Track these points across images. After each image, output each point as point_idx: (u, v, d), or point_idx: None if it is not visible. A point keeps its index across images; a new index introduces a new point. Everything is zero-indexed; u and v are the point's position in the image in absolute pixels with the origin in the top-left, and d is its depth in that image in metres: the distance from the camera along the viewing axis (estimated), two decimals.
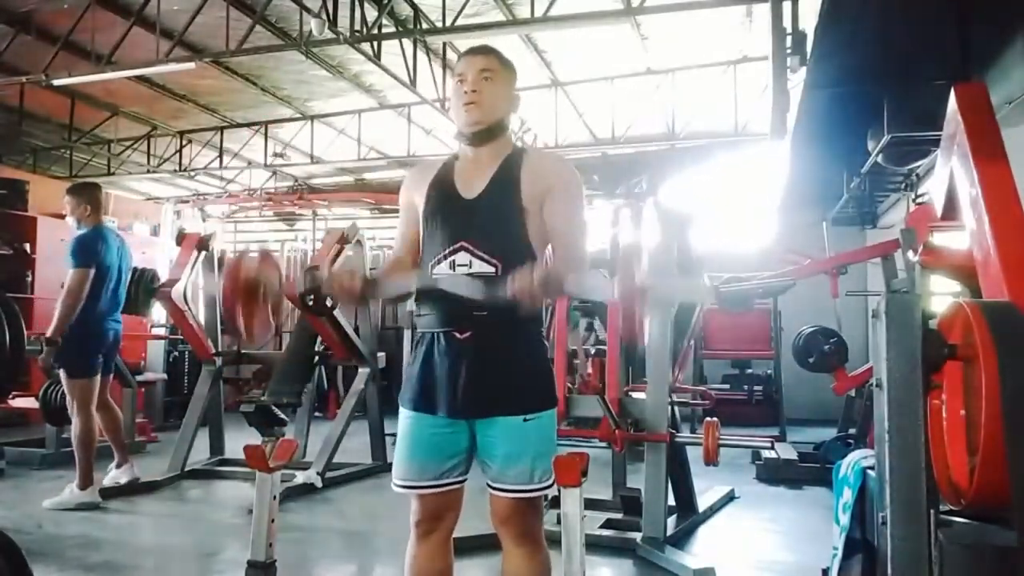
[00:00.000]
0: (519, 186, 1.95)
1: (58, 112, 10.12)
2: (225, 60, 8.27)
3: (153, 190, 13.65)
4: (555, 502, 2.24)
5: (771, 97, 4.73)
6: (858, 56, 4.29)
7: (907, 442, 1.83)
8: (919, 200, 6.16)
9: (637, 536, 3.79)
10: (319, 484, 5.00)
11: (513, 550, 1.98)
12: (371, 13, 7.20)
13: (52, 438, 5.90)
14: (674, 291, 2.11)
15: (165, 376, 8.45)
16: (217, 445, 5.97)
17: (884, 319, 1.88)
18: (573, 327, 5.40)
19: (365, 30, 7.19)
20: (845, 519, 2.56)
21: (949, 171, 2.46)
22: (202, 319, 5.69)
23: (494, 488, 1.94)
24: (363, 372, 5.82)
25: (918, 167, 5.75)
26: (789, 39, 4.43)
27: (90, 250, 4.47)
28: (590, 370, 5.20)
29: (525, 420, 1.90)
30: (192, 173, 12.25)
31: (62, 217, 5.19)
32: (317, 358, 6.17)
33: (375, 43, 7.50)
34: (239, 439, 3.95)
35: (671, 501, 4.20)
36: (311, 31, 6.99)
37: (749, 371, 9.27)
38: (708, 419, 4.08)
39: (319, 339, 5.84)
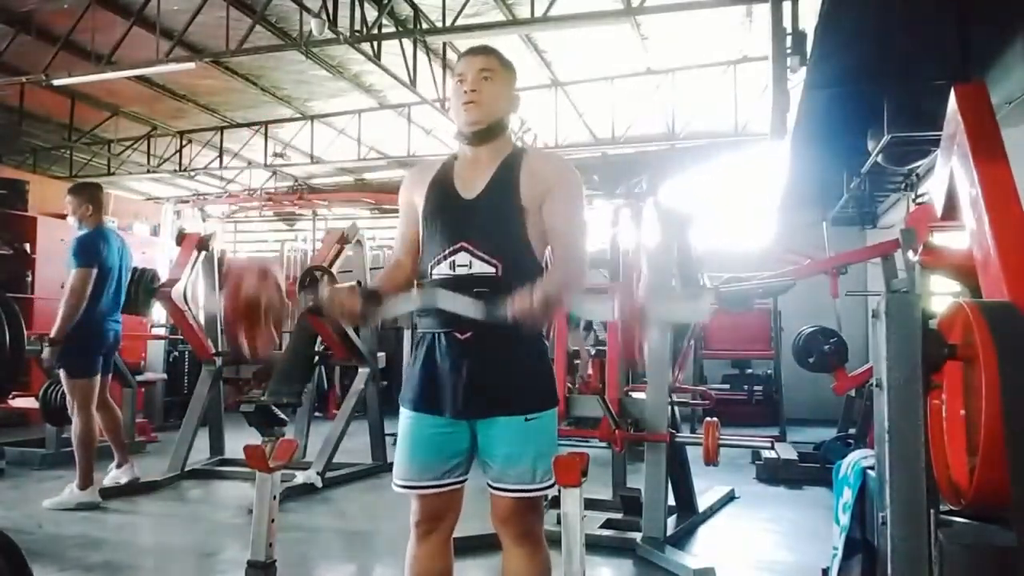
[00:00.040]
0: (518, 186, 1.94)
1: (58, 112, 10.12)
2: (225, 60, 8.28)
3: (153, 190, 13.66)
4: (555, 502, 2.24)
5: (771, 97, 4.73)
6: (858, 56, 4.29)
7: (907, 442, 1.83)
8: (919, 200, 6.16)
9: (637, 536, 3.79)
10: (319, 484, 5.00)
11: (513, 550, 1.98)
12: (371, 13, 7.20)
13: (52, 438, 5.89)
14: (672, 312, 2.12)
15: (165, 376, 8.45)
16: (217, 445, 5.97)
17: (884, 319, 1.87)
18: (573, 327, 5.40)
19: (365, 30, 7.19)
20: (845, 519, 2.56)
21: (949, 171, 2.46)
22: (202, 319, 5.69)
23: (495, 488, 1.94)
24: (363, 372, 5.82)
25: (918, 167, 5.75)
26: (789, 39, 4.43)
27: (92, 250, 4.47)
28: (591, 371, 5.20)
29: (526, 420, 1.90)
30: (192, 173, 12.25)
31: (62, 217, 5.20)
32: (317, 358, 6.18)
33: (375, 43, 7.51)
34: (239, 439, 3.94)
35: (671, 501, 4.20)
36: (311, 31, 7.00)
37: (749, 371, 9.28)
38: (708, 419, 4.08)
39: (319, 339, 5.84)
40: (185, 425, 5.52)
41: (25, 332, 2.81)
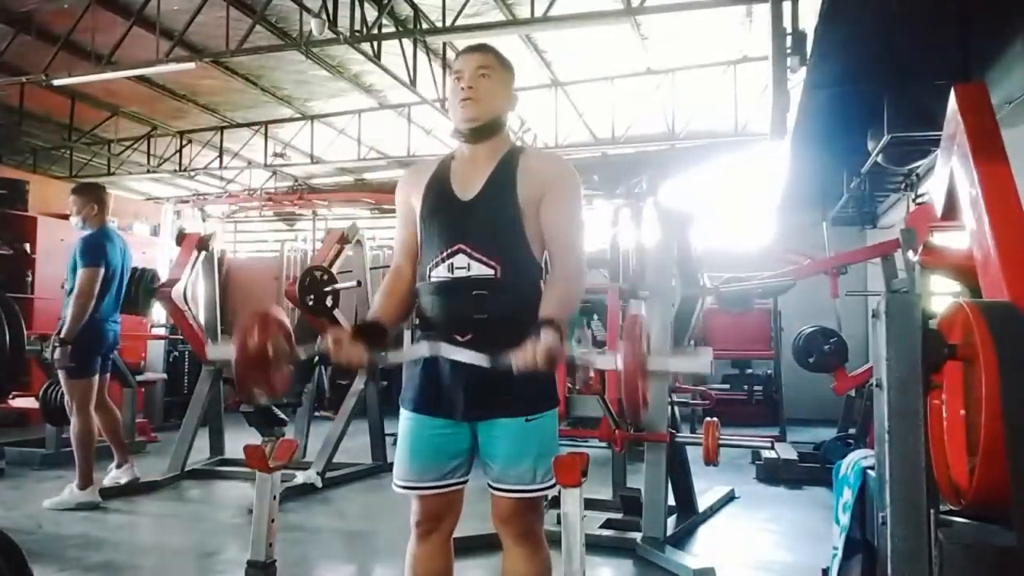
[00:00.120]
0: (516, 186, 1.93)
1: (58, 112, 10.12)
2: (225, 60, 8.27)
3: (153, 190, 13.65)
4: (555, 502, 2.24)
5: (771, 97, 4.73)
6: (858, 56, 4.29)
7: (907, 442, 1.83)
8: (919, 200, 6.16)
9: (637, 536, 3.79)
10: (319, 484, 5.00)
11: (514, 549, 1.98)
12: (371, 13, 7.20)
13: (52, 438, 5.89)
14: (674, 365, 2.13)
15: (165, 376, 8.45)
16: (217, 445, 5.97)
17: (884, 319, 1.87)
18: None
19: (365, 30, 7.19)
20: (845, 519, 2.56)
21: (949, 171, 2.46)
22: (202, 319, 5.69)
23: (495, 488, 1.94)
24: (362, 372, 5.82)
25: (918, 167, 5.75)
26: (789, 39, 4.43)
27: (99, 250, 4.47)
28: (592, 373, 5.20)
29: (527, 421, 1.89)
30: (192, 173, 12.25)
31: (62, 217, 5.20)
32: (317, 358, 6.17)
33: (375, 43, 7.51)
34: (239, 439, 3.94)
35: (671, 501, 4.20)
36: (311, 31, 7.00)
37: (749, 371, 9.28)
38: (708, 419, 4.08)
39: (319, 339, 5.83)
40: (185, 425, 5.52)
41: (25, 332, 2.81)
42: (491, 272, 1.89)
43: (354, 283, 5.72)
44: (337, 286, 5.46)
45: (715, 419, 3.96)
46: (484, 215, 1.92)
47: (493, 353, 1.74)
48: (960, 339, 1.86)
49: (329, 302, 5.38)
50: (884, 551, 1.86)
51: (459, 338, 1.88)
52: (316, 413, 6.54)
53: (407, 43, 8.05)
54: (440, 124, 10.43)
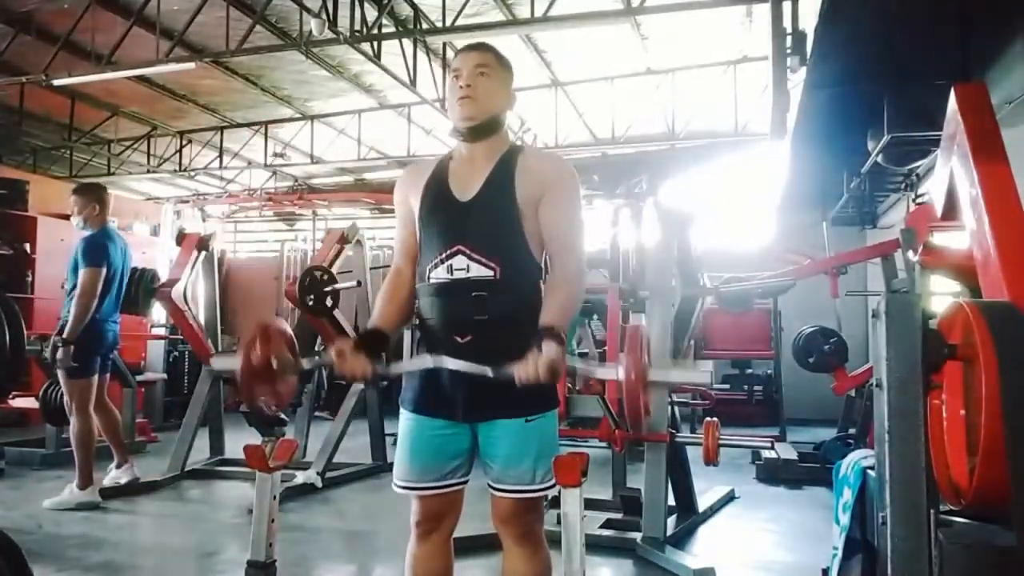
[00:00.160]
0: (515, 186, 1.92)
1: (58, 112, 10.12)
2: (225, 60, 8.27)
3: (153, 190, 13.65)
4: (555, 502, 2.24)
5: (771, 97, 4.73)
6: (858, 56, 4.30)
7: (907, 442, 1.83)
8: (919, 200, 6.16)
9: (637, 536, 3.79)
10: (319, 484, 5.00)
11: (514, 549, 1.98)
12: (371, 13, 7.20)
13: (52, 438, 5.89)
14: (675, 376, 2.15)
15: (165, 376, 8.46)
16: (217, 445, 5.97)
17: (884, 319, 1.87)
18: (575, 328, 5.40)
19: (365, 30, 7.19)
20: (845, 519, 2.56)
21: (949, 171, 2.46)
22: (202, 319, 5.70)
23: (495, 489, 1.94)
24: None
25: (918, 167, 5.75)
26: (789, 39, 4.43)
27: (102, 250, 4.48)
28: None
29: (527, 422, 1.89)
30: (192, 173, 12.25)
31: (62, 217, 5.20)
32: (317, 358, 6.16)
33: (375, 43, 7.50)
34: (239, 439, 3.95)
35: (671, 501, 4.20)
36: (311, 31, 7.00)
37: (749, 371, 9.28)
38: (708, 419, 4.08)
39: (319, 339, 5.83)
40: (185, 425, 5.52)
41: (25, 332, 2.81)
42: (490, 273, 1.88)
43: (354, 283, 5.72)
44: (337, 286, 5.46)
45: (715, 419, 3.96)
46: (483, 216, 1.92)
47: (495, 364, 1.75)
48: (960, 339, 1.86)
49: (329, 302, 5.38)
50: (884, 551, 1.86)
51: (459, 340, 1.89)
52: (315, 413, 6.53)
53: (407, 43, 8.05)
54: (440, 124, 10.43)
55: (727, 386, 9.05)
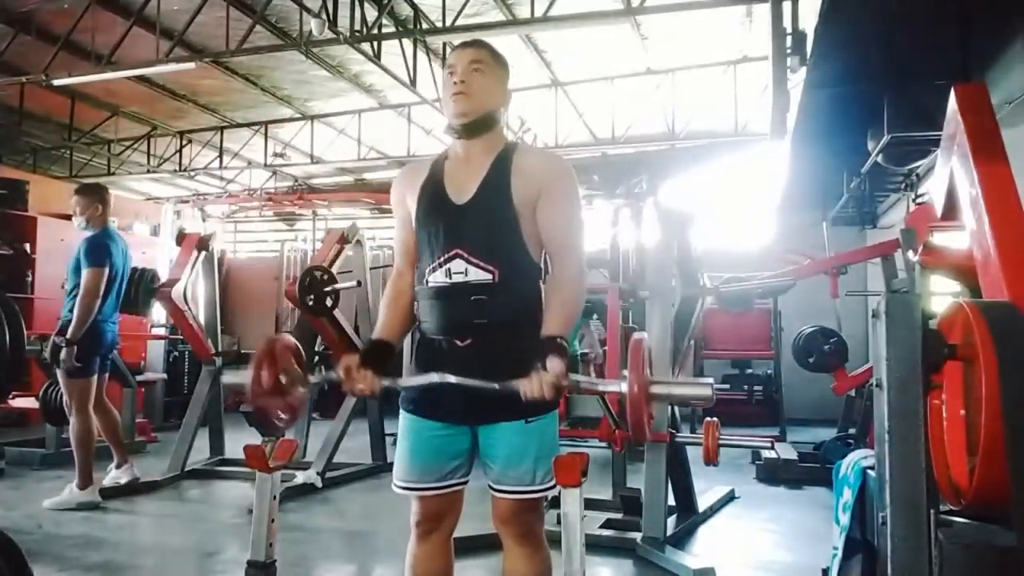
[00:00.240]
0: (511, 187, 1.90)
1: (58, 112, 10.11)
2: (225, 60, 8.27)
3: (153, 190, 13.65)
4: (555, 502, 2.24)
5: (771, 97, 4.73)
6: (858, 56, 4.30)
7: (907, 442, 1.83)
8: (919, 200, 6.17)
9: (637, 536, 3.79)
10: (319, 484, 5.00)
11: (514, 549, 1.98)
12: (371, 13, 7.20)
13: (52, 438, 5.90)
14: (678, 391, 2.15)
15: (165, 376, 8.46)
16: (217, 445, 5.97)
17: (884, 319, 1.87)
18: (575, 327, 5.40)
19: (365, 30, 7.19)
20: (845, 519, 2.56)
21: (949, 171, 2.46)
22: (202, 319, 5.70)
23: (496, 489, 1.94)
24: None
25: (918, 167, 5.76)
26: (789, 39, 4.43)
27: (104, 251, 4.48)
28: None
29: (527, 423, 1.89)
30: (192, 173, 12.24)
31: (62, 217, 5.19)
32: (317, 358, 6.18)
33: (375, 43, 7.50)
34: (239, 439, 3.94)
35: (671, 501, 4.20)
36: (311, 31, 6.99)
37: (749, 371, 9.28)
38: (708, 419, 4.08)
39: (319, 339, 5.84)
40: (185, 425, 5.52)
41: (25, 332, 2.81)
42: (489, 276, 1.87)
43: (354, 283, 5.73)
44: (337, 286, 5.46)
45: (715, 419, 3.96)
46: (479, 219, 1.90)
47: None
48: (960, 339, 1.86)
49: (329, 302, 5.38)
50: (884, 551, 1.86)
51: (459, 343, 1.89)
52: (313, 415, 6.54)
53: (407, 43, 8.04)
54: (440, 124, 10.37)
55: (727, 386, 9.05)
